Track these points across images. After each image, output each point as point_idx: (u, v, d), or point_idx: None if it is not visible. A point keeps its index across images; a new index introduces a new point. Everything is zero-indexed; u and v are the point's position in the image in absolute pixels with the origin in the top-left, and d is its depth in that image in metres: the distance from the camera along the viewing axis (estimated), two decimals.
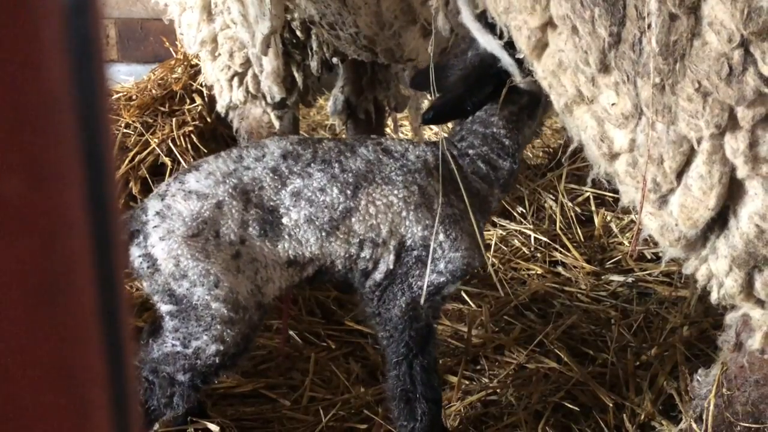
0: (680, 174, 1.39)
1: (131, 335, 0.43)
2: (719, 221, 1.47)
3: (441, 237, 1.91)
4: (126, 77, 4.39)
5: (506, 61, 1.75)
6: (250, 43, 2.18)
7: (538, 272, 3.05)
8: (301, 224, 1.84)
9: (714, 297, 1.61)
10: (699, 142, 1.33)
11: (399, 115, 3.61)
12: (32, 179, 0.37)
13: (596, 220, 3.39)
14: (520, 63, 1.73)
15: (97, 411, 0.42)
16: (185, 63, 3.92)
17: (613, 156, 1.46)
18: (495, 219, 3.39)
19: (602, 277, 3.02)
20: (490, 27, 1.63)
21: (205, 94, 3.68)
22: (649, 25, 1.24)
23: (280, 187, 1.85)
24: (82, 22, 0.39)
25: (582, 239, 3.29)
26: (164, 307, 1.82)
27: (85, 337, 0.41)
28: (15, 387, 0.37)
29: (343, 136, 3.57)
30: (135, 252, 1.80)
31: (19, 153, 0.36)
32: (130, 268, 1.84)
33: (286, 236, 1.84)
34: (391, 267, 1.92)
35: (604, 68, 1.33)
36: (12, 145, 0.36)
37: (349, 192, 1.86)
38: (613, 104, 1.35)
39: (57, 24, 0.38)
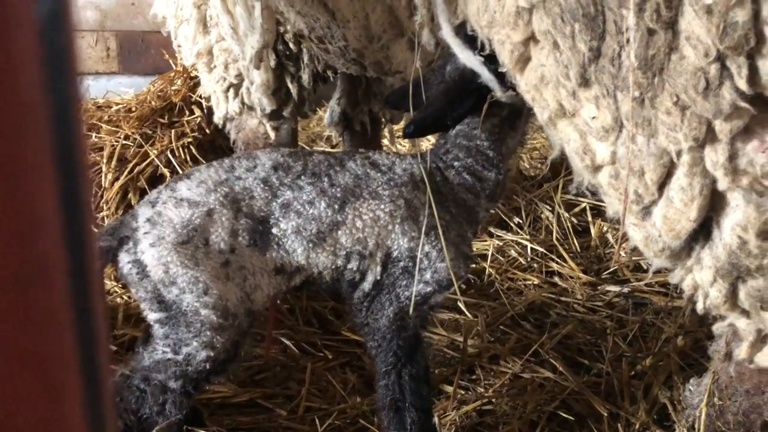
0: (662, 186, 1.40)
1: (105, 324, 0.46)
2: (703, 232, 1.49)
3: (427, 248, 1.93)
4: (127, 89, 4.43)
5: (486, 76, 1.75)
6: (241, 56, 2.21)
7: (534, 282, 3.06)
8: (288, 235, 1.86)
9: (699, 307, 1.62)
10: (679, 154, 1.35)
11: (396, 127, 3.64)
12: (7, 181, 0.40)
13: (592, 230, 3.40)
14: (500, 77, 1.74)
15: (69, 394, 0.44)
16: (185, 75, 3.95)
17: (596, 168, 1.48)
18: (492, 229, 3.40)
19: (598, 288, 3.03)
20: (470, 39, 1.65)
21: (204, 106, 3.71)
22: (628, 40, 1.26)
23: (270, 198, 1.87)
24: (56, 34, 0.42)
25: (578, 249, 3.30)
26: (153, 315, 1.83)
27: (57, 325, 0.43)
28: None
29: (340, 147, 3.60)
30: (124, 258, 1.81)
31: None
32: (119, 274, 1.85)
33: (275, 245, 1.86)
34: (379, 278, 1.94)
35: (585, 82, 1.35)
36: None
37: (336, 206, 1.88)
38: (593, 117, 1.37)
39: (31, 35, 0.40)
